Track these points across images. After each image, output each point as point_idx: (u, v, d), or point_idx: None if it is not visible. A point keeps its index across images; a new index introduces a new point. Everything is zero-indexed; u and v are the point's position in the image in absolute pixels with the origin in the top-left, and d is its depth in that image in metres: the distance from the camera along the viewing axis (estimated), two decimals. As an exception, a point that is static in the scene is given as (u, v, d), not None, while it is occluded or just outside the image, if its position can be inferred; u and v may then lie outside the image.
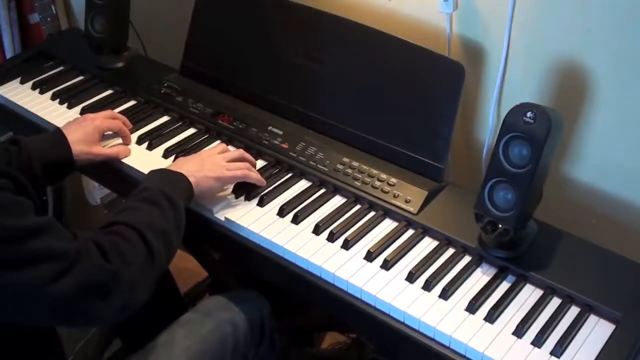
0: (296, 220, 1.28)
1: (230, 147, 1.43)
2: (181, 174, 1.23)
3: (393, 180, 1.33)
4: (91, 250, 1.00)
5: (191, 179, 1.23)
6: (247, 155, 1.36)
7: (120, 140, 1.46)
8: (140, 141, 1.48)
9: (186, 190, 1.22)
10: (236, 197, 1.33)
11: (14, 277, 0.92)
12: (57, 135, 1.36)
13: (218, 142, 1.46)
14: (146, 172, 1.38)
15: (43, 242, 0.94)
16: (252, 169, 1.33)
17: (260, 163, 1.43)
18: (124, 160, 1.43)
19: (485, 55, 1.43)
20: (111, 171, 1.44)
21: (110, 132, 1.46)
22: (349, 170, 1.36)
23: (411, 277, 1.17)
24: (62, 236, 0.98)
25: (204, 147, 1.45)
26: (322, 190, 1.36)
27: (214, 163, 1.28)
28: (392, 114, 1.38)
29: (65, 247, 0.96)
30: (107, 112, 1.48)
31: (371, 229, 1.27)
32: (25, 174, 1.29)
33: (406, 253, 1.22)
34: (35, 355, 1.11)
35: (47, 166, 1.31)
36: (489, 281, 1.17)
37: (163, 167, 1.28)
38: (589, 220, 1.41)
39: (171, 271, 1.51)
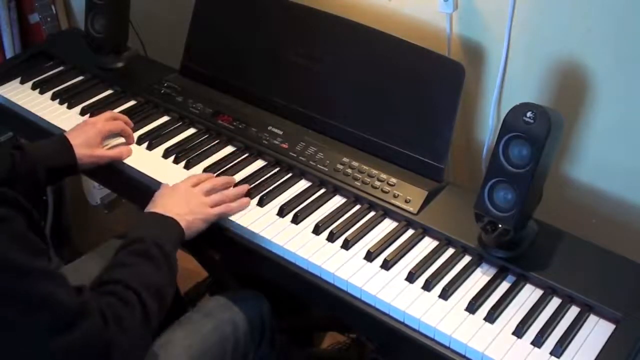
0: (296, 220, 1.28)
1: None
2: (172, 218, 1.20)
3: (393, 180, 1.33)
4: (92, 312, 0.95)
5: (182, 223, 1.21)
6: (216, 180, 1.33)
7: (122, 140, 1.47)
8: (140, 141, 1.48)
9: (178, 236, 1.20)
10: (236, 197, 1.34)
11: (12, 315, 0.88)
12: (60, 140, 1.37)
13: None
14: (146, 172, 1.40)
15: (49, 289, 0.90)
16: (228, 196, 1.30)
17: (260, 163, 1.43)
18: (125, 161, 1.43)
19: (485, 55, 1.43)
20: (111, 171, 1.44)
21: (112, 133, 1.45)
22: (349, 170, 1.36)
23: (411, 277, 1.17)
24: (68, 289, 0.94)
25: (204, 147, 1.45)
26: (322, 190, 1.36)
27: (198, 202, 1.25)
28: (392, 113, 1.38)
29: (69, 301, 0.92)
30: (108, 114, 1.48)
31: (371, 229, 1.27)
32: (29, 179, 1.30)
33: (406, 253, 1.22)
34: None
35: (50, 171, 1.32)
36: (489, 281, 1.17)
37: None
38: (589, 220, 1.41)
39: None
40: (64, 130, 1.51)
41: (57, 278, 0.93)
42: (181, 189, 1.28)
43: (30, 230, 0.92)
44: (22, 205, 0.93)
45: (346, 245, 1.23)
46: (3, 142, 2.00)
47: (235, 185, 1.35)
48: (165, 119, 1.56)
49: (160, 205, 1.24)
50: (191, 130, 1.52)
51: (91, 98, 1.63)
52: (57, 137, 1.40)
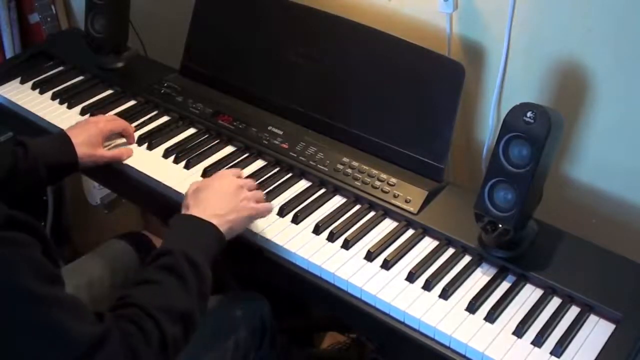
0: (296, 220, 1.28)
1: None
2: (210, 224, 1.12)
3: (393, 180, 1.33)
4: (111, 341, 0.90)
5: (224, 228, 1.13)
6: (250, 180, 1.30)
7: (123, 140, 1.47)
8: (140, 141, 1.48)
9: (216, 244, 1.12)
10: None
11: (23, 346, 0.84)
12: (62, 138, 1.36)
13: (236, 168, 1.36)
14: (146, 172, 1.40)
15: (63, 319, 0.86)
16: (259, 197, 1.26)
17: (260, 163, 1.43)
18: (125, 161, 1.43)
19: (485, 55, 1.43)
20: (111, 171, 1.44)
21: (113, 133, 1.45)
22: (349, 170, 1.36)
23: (411, 277, 1.17)
24: (85, 318, 0.90)
25: (204, 147, 1.45)
26: (322, 190, 1.36)
27: (243, 197, 1.19)
28: (392, 113, 1.38)
29: (85, 332, 0.88)
30: (109, 115, 1.49)
31: (371, 229, 1.27)
32: (31, 175, 1.29)
33: (406, 253, 1.22)
34: None
35: (51, 168, 1.32)
36: (489, 281, 1.17)
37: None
38: (589, 220, 1.41)
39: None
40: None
41: (74, 306, 0.89)
42: (225, 182, 1.21)
43: (44, 254, 0.89)
44: (36, 228, 0.89)
45: (346, 245, 1.23)
46: (3, 142, 1.99)
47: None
48: (165, 119, 1.56)
49: (200, 203, 1.16)
50: (191, 130, 1.52)
51: (91, 98, 1.63)
52: (58, 135, 1.39)
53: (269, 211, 1.25)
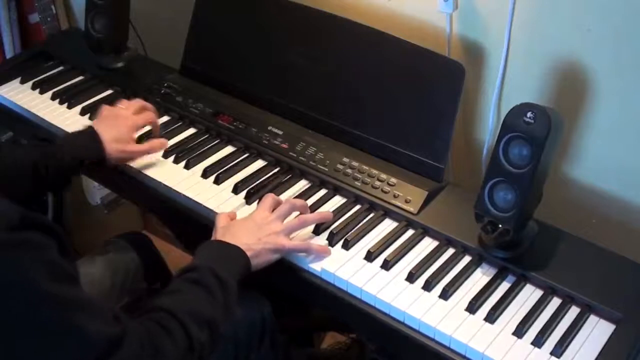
0: (296, 220, 1.28)
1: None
2: (237, 247, 1.14)
3: (393, 180, 1.33)
4: (129, 341, 0.90)
5: (249, 253, 1.14)
6: (297, 203, 1.25)
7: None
8: (140, 141, 1.47)
9: (242, 266, 1.13)
10: (235, 198, 1.33)
11: (44, 347, 0.84)
12: (90, 134, 1.34)
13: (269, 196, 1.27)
14: (146, 172, 1.40)
15: (83, 320, 0.86)
16: (307, 221, 1.24)
17: (260, 163, 1.43)
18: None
19: (485, 55, 1.43)
20: (111, 171, 1.43)
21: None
22: (349, 170, 1.36)
23: (411, 277, 1.17)
24: (104, 318, 0.90)
25: (204, 147, 1.45)
26: (322, 191, 1.36)
27: (271, 230, 1.18)
28: (392, 114, 1.38)
29: (103, 332, 0.88)
30: (137, 104, 1.45)
31: (371, 229, 1.27)
32: (57, 172, 1.29)
33: (406, 253, 1.22)
34: None
35: (77, 164, 1.32)
36: (489, 281, 1.17)
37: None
38: (589, 220, 1.41)
39: (172, 272, 1.51)
40: (64, 130, 1.52)
41: (91, 305, 0.89)
42: (257, 214, 1.21)
43: (60, 253, 0.89)
44: (52, 228, 0.89)
45: (346, 246, 1.23)
46: (3, 142, 1.99)
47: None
48: (165, 119, 1.56)
49: (228, 234, 1.18)
50: (191, 130, 1.52)
51: (91, 98, 1.63)
52: (86, 130, 1.36)
53: (304, 250, 1.21)
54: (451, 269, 1.19)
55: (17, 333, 0.83)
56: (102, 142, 1.34)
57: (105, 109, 1.43)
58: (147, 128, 1.47)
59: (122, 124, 1.38)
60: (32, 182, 1.28)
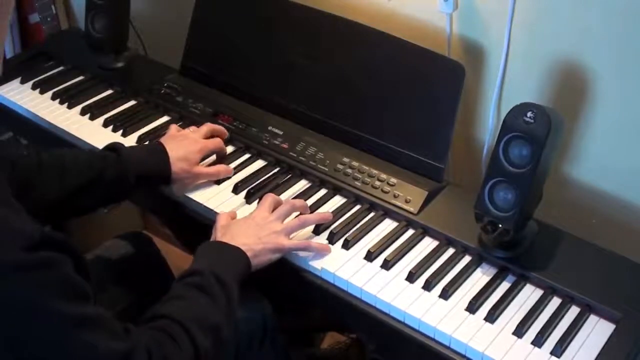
0: (296, 220, 1.28)
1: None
2: (238, 248, 1.14)
3: (393, 180, 1.33)
4: (139, 354, 0.91)
5: (249, 253, 1.14)
6: (297, 203, 1.26)
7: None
8: (140, 141, 1.48)
9: (242, 267, 1.13)
10: (235, 198, 1.33)
11: None
12: (158, 150, 1.32)
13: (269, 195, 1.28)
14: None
15: (93, 339, 0.87)
16: (307, 221, 1.24)
17: (260, 163, 1.43)
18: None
19: (485, 55, 1.43)
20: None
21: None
22: (349, 170, 1.36)
23: (411, 277, 1.17)
24: (114, 333, 0.91)
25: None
26: (322, 191, 1.36)
27: (271, 230, 1.18)
28: (392, 113, 1.38)
29: (114, 348, 0.89)
30: (206, 129, 1.42)
31: (371, 229, 1.27)
32: (119, 184, 1.26)
33: (406, 253, 1.22)
34: None
35: (141, 178, 1.29)
36: (489, 281, 1.17)
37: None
38: (589, 220, 1.41)
39: (172, 272, 1.51)
40: (64, 130, 1.52)
41: (102, 322, 0.90)
42: (257, 213, 1.21)
43: (75, 269, 0.90)
44: (69, 245, 0.90)
45: (346, 245, 1.23)
46: (3, 142, 1.99)
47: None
48: (165, 119, 1.56)
49: (228, 234, 1.17)
50: (191, 130, 1.52)
51: (91, 98, 1.63)
52: (154, 146, 1.34)
53: (304, 249, 1.21)
54: (451, 268, 1.19)
55: (29, 351, 0.85)
56: (169, 159, 1.31)
57: (174, 128, 1.42)
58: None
59: (191, 145, 1.35)
60: (90, 194, 1.26)
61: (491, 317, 1.10)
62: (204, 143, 1.38)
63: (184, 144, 1.35)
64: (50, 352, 0.86)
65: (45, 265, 0.85)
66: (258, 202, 1.30)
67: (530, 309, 1.12)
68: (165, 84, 1.61)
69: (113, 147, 1.30)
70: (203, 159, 1.38)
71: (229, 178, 1.38)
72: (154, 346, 0.95)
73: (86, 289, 0.90)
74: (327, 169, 1.37)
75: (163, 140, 1.36)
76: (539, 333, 1.08)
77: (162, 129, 1.51)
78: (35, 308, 0.84)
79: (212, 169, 1.37)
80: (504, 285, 1.17)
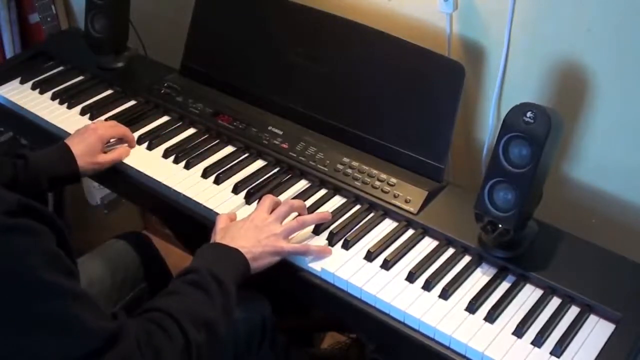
0: (296, 220, 1.28)
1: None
2: (237, 250, 1.14)
3: (393, 180, 1.33)
4: (126, 339, 0.90)
5: (248, 256, 1.14)
6: (295, 203, 1.25)
7: (123, 144, 1.46)
8: (140, 141, 1.48)
9: (241, 270, 1.13)
10: (235, 198, 1.33)
11: (37, 339, 0.83)
12: (62, 149, 1.36)
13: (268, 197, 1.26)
14: (146, 172, 1.40)
15: (78, 313, 0.86)
16: (305, 222, 1.23)
17: (260, 163, 1.43)
18: (125, 161, 1.43)
19: (485, 55, 1.43)
20: (111, 171, 1.44)
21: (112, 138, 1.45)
22: (349, 170, 1.36)
23: (411, 277, 1.17)
24: (100, 315, 0.90)
25: (204, 147, 1.45)
26: (322, 191, 1.36)
27: (270, 232, 1.18)
28: (392, 113, 1.38)
29: (99, 327, 0.88)
30: (110, 122, 1.48)
31: (371, 229, 1.27)
32: (31, 187, 1.29)
33: (406, 253, 1.22)
34: None
35: (52, 179, 1.33)
36: (489, 281, 1.17)
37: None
38: (589, 220, 1.41)
39: (172, 272, 1.51)
40: (64, 130, 1.52)
41: (89, 301, 0.89)
42: (256, 216, 1.21)
43: (60, 247, 0.89)
44: (52, 218, 0.89)
45: (346, 246, 1.23)
46: (3, 142, 2.00)
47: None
48: (165, 119, 1.56)
49: (228, 236, 1.18)
50: (191, 130, 1.52)
51: (91, 98, 1.63)
52: (58, 146, 1.38)
53: (305, 253, 1.20)
54: (451, 268, 1.19)
55: (16, 320, 0.83)
56: (74, 156, 1.35)
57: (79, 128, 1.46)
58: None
59: (90, 135, 1.39)
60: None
61: (491, 317, 1.10)
62: (102, 130, 1.41)
63: (83, 137, 1.39)
64: (33, 322, 0.83)
65: (24, 231, 0.83)
66: (258, 202, 1.31)
67: (530, 309, 1.12)
68: (165, 84, 1.61)
69: (20, 154, 1.32)
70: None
71: (229, 177, 1.38)
72: (144, 335, 0.94)
73: (71, 267, 0.89)
74: (327, 169, 1.37)
75: (68, 138, 1.40)
76: (538, 333, 1.08)
77: (162, 129, 1.51)
78: (19, 274, 0.82)
79: (113, 154, 1.42)
80: (504, 285, 1.17)
